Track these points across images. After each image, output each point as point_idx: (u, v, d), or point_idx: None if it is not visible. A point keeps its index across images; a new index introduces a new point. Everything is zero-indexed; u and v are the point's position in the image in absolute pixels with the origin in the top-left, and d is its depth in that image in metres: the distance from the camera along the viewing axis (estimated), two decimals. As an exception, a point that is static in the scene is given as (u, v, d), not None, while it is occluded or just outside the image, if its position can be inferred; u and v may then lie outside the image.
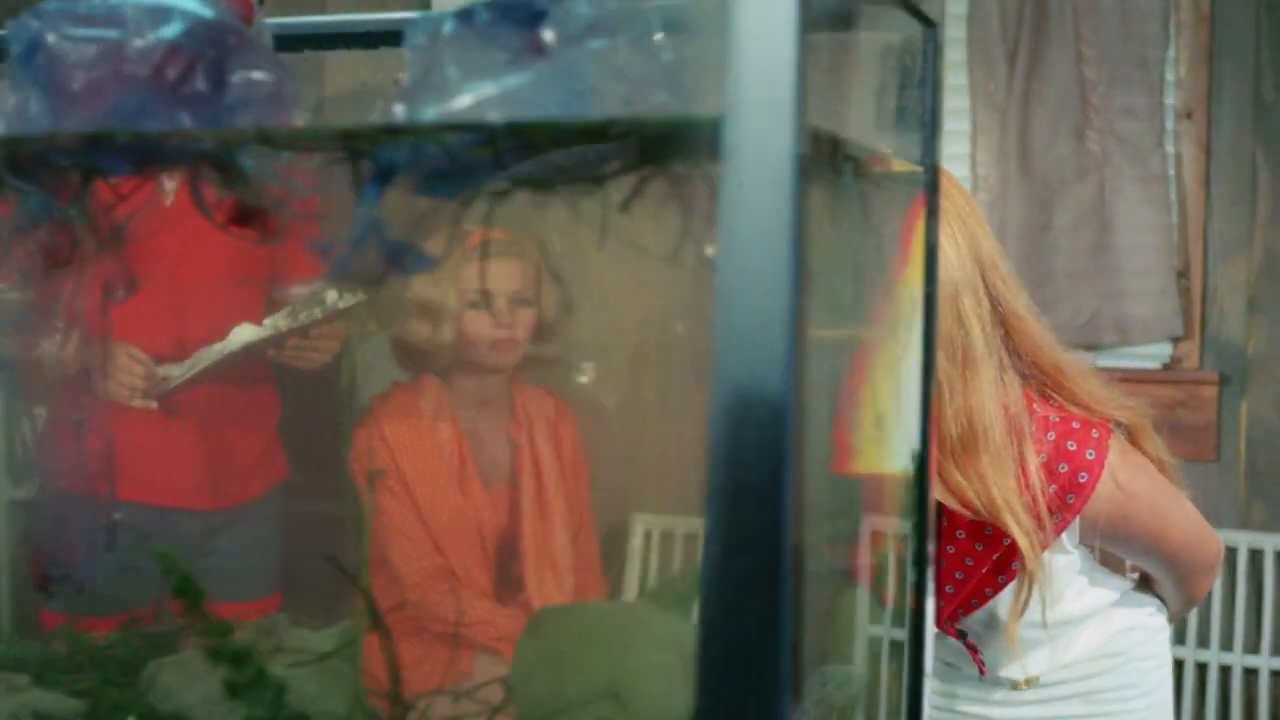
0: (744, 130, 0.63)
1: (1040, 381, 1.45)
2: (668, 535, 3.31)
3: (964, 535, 1.46)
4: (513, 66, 0.76)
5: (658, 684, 0.88)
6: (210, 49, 0.79)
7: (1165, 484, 1.51)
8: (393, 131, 0.73)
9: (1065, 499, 1.43)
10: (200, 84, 0.78)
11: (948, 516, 1.44)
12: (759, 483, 0.63)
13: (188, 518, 2.56)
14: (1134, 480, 1.47)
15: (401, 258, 0.78)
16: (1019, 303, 1.43)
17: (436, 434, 2.57)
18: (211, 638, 0.77)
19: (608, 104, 0.76)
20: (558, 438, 2.68)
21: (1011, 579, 1.47)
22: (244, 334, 2.29)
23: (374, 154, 0.76)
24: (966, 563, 1.46)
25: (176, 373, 2.32)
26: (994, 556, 1.46)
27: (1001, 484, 1.39)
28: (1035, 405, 1.44)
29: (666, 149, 0.72)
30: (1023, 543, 1.41)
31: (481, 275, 2.48)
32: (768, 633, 0.63)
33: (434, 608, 2.60)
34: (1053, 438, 1.43)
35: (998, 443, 1.39)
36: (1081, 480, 1.43)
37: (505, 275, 2.50)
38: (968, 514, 1.41)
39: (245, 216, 0.83)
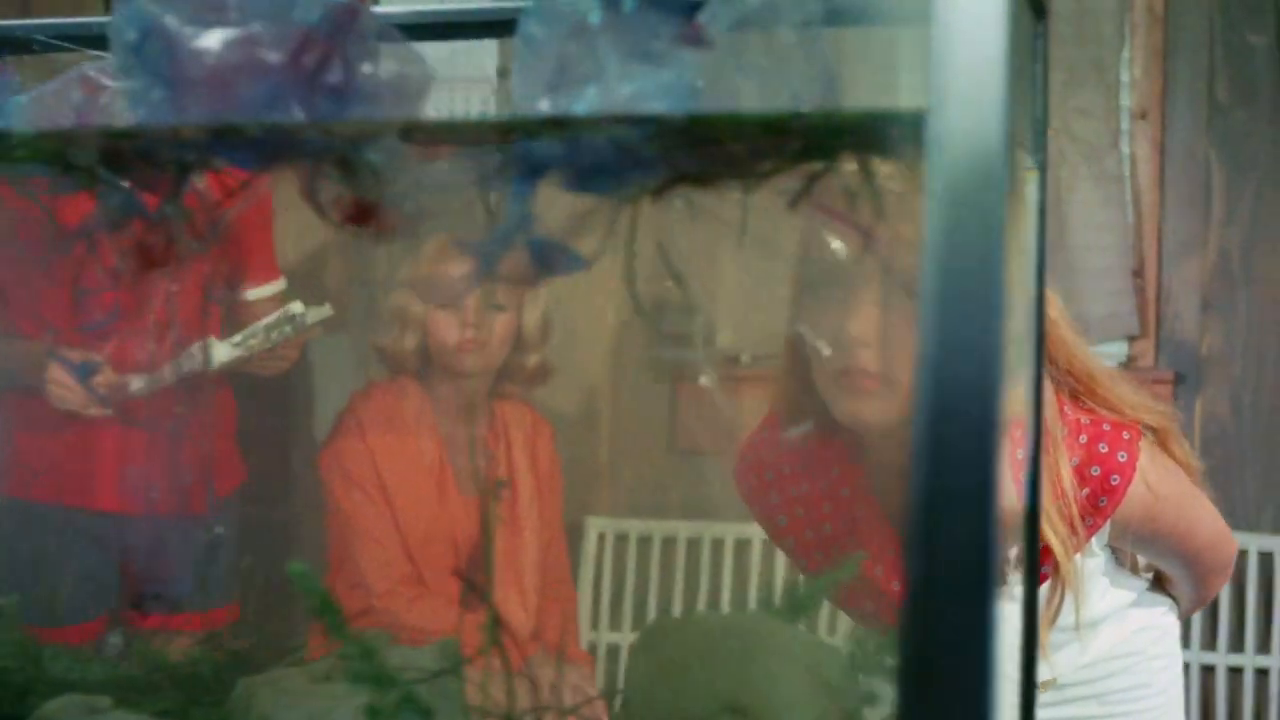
0: (951, 124, 0.61)
1: (1072, 387, 1.43)
2: (621, 538, 3.28)
3: None
4: (672, 55, 0.73)
5: (784, 697, 0.85)
6: (344, 36, 0.75)
7: (1191, 487, 1.51)
8: (562, 124, 0.70)
9: (1098, 502, 1.42)
10: (335, 73, 0.74)
11: None
12: (967, 490, 0.61)
13: (142, 524, 2.51)
14: (1163, 483, 1.45)
15: (553, 256, 0.74)
16: (1052, 305, 1.40)
17: (417, 439, 2.53)
18: (356, 660, 0.73)
19: (773, 97, 0.73)
20: (534, 451, 2.65)
21: (1041, 583, 1.45)
22: (221, 353, 2.25)
23: (526, 148, 0.73)
24: None
25: (138, 385, 2.27)
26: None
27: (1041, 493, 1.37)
28: (1066, 408, 1.42)
29: (841, 143, 0.69)
30: (1058, 549, 1.39)
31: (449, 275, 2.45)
32: (977, 647, 0.61)
33: (402, 616, 2.56)
34: (1084, 440, 1.41)
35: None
36: (1114, 483, 1.42)
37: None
38: None
39: (365, 214, 0.79)
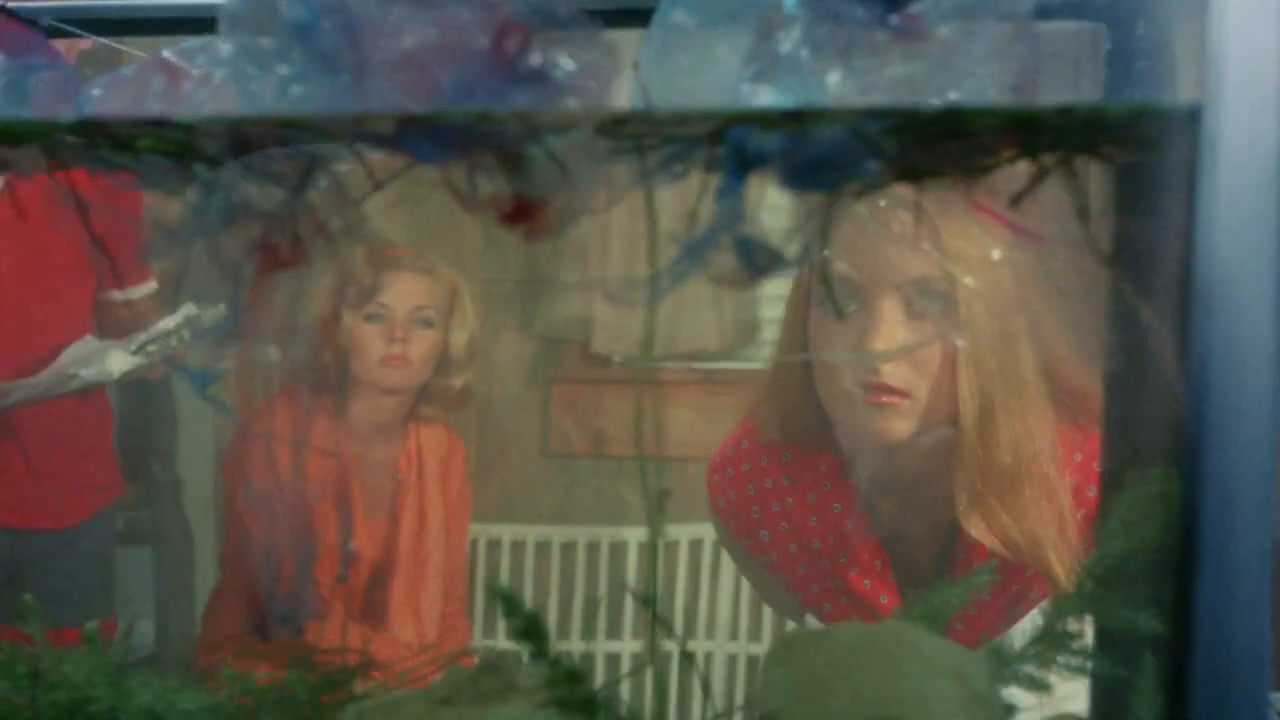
0: (1228, 120, 0.60)
1: (1067, 403, 1.38)
2: (494, 543, 3.24)
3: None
4: (893, 48, 0.70)
5: (934, 708, 0.83)
6: (542, 21, 0.71)
7: None
8: (799, 117, 0.66)
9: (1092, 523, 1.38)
10: (535, 60, 0.70)
11: (964, 551, 1.39)
12: (1248, 494, 0.60)
13: (17, 538, 2.39)
14: None
15: (762, 257, 0.71)
16: (1053, 315, 1.39)
17: (326, 454, 2.44)
18: (559, 685, 0.69)
19: (995, 89, 0.72)
20: (447, 475, 2.58)
21: (1028, 610, 1.42)
22: (118, 363, 2.14)
23: (735, 141, 0.70)
24: (983, 596, 1.40)
25: (18, 395, 2.15)
26: (1013, 588, 1.41)
27: (1045, 519, 1.33)
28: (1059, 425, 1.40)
29: (1098, 138, 0.68)
30: (1063, 580, 1.33)
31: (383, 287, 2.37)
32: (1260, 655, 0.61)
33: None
34: (1079, 459, 1.38)
35: (1046, 474, 1.34)
36: (1090, 495, 1.35)
37: (408, 291, 2.39)
38: (1007, 555, 1.34)
39: (528, 212, 0.75)
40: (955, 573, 1.39)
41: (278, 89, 0.74)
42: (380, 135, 0.70)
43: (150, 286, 2.43)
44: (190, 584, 2.98)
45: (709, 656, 3.12)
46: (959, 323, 1.28)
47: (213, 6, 1.02)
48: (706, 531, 3.23)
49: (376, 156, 0.76)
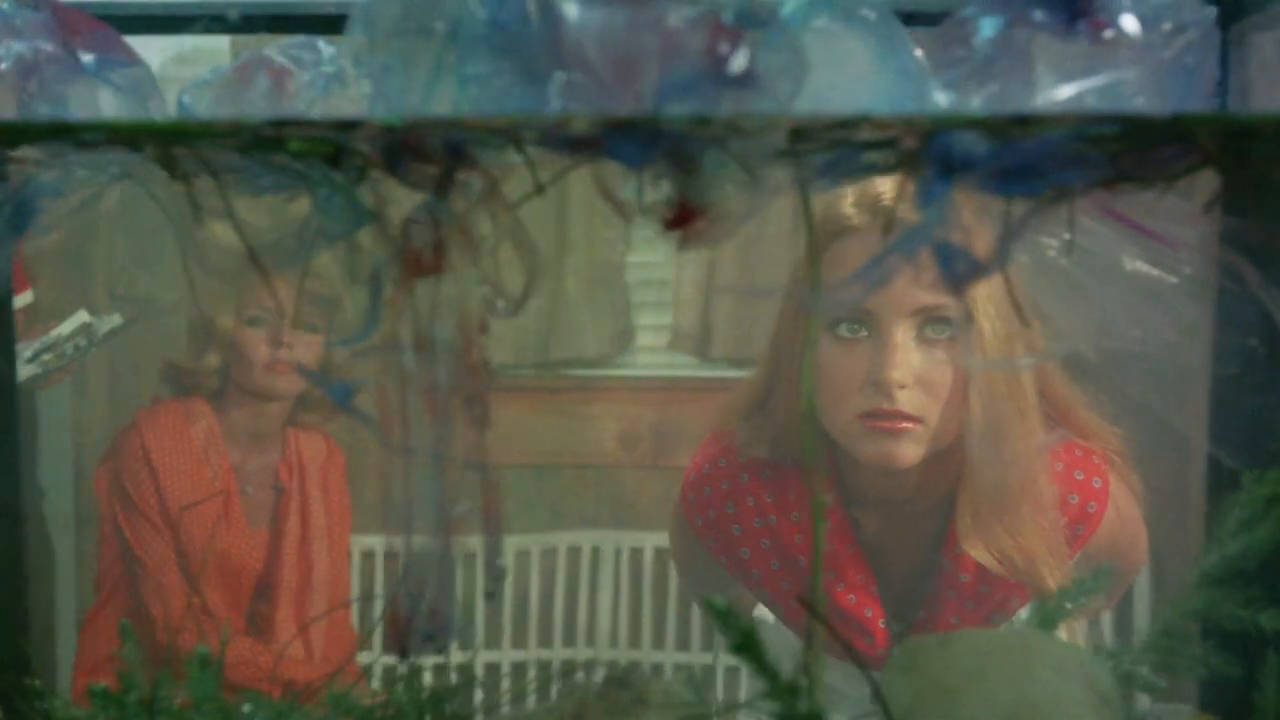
0: None
1: (1045, 411, 1.40)
2: (367, 554, 3.18)
3: (968, 579, 1.41)
4: (1098, 55, 0.71)
5: (1065, 712, 0.83)
6: (749, 19, 0.69)
7: (1138, 510, 1.49)
8: (1028, 123, 0.66)
9: (1075, 530, 1.40)
10: (742, 61, 0.68)
11: (951, 560, 1.40)
12: None
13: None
14: (1128, 506, 1.45)
15: (962, 263, 0.70)
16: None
17: (206, 465, 2.36)
18: (779, 699, 0.67)
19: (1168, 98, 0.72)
20: (327, 483, 2.52)
21: (1009, 617, 1.41)
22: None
23: (942, 147, 0.69)
24: (967, 607, 1.41)
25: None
26: (997, 596, 1.41)
27: (1039, 535, 1.34)
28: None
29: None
30: (1055, 591, 1.35)
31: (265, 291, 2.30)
32: None
33: (185, 648, 2.39)
34: (1060, 468, 1.40)
35: (1041, 491, 1.34)
36: (1091, 510, 1.40)
37: (291, 296, 2.32)
38: (1002, 572, 1.35)
39: (694, 217, 0.74)
40: (939, 587, 1.40)
41: (459, 89, 0.71)
42: (578, 137, 0.68)
43: (28, 296, 2.33)
44: (50, 599, 2.87)
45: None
46: (970, 347, 1.30)
47: (209, 5, 0.98)
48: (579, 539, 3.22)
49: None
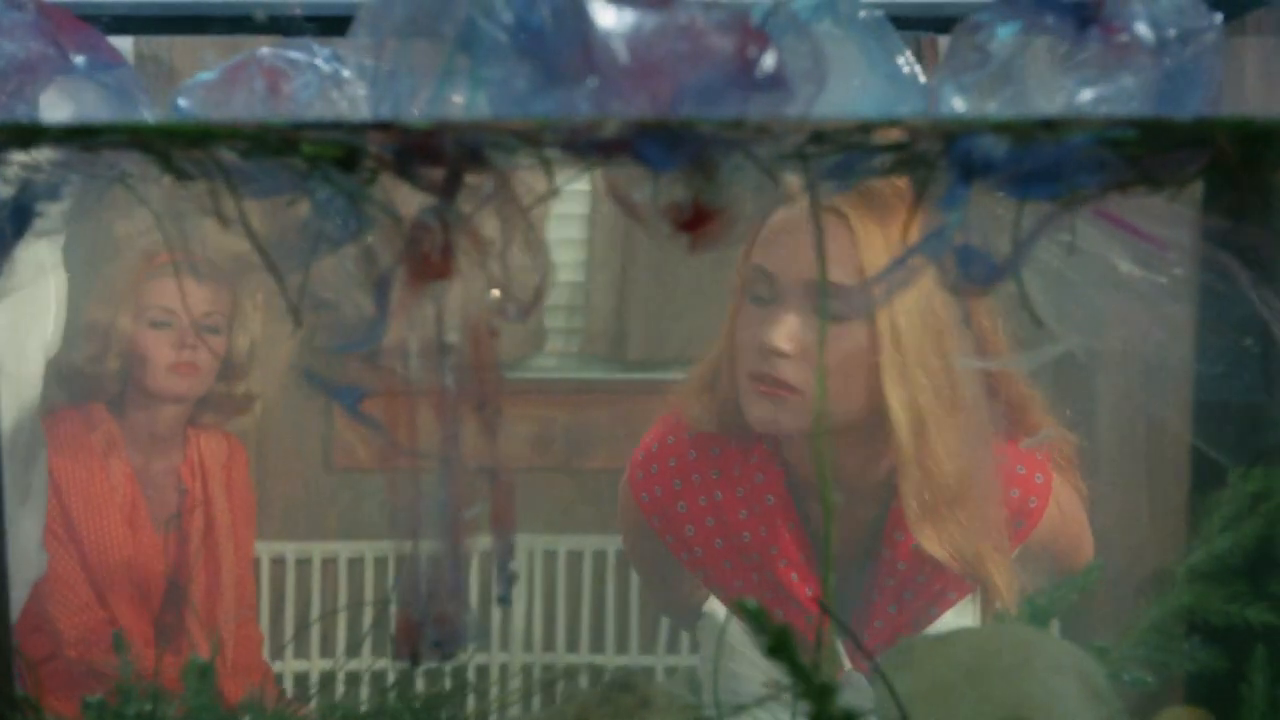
0: None
1: (1008, 418, 1.39)
2: (277, 561, 3.13)
3: (905, 567, 1.41)
4: (1115, 60, 0.72)
5: (1063, 709, 0.85)
6: (776, 22, 0.70)
7: (1082, 510, 1.49)
8: (1054, 127, 0.67)
9: (1015, 524, 1.40)
10: (770, 64, 0.69)
11: (889, 549, 1.41)
12: None
13: None
14: (1071, 505, 1.45)
15: (979, 267, 0.71)
16: (999, 331, 1.38)
17: (108, 472, 2.32)
18: (813, 700, 0.68)
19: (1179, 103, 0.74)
20: (230, 482, 2.48)
21: (945, 609, 1.42)
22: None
23: (963, 150, 0.70)
24: (905, 596, 1.42)
25: None
26: (936, 587, 1.41)
27: (986, 533, 1.34)
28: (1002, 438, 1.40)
29: None
30: (1003, 591, 1.34)
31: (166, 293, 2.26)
32: None
33: (96, 664, 2.34)
34: (1023, 471, 1.40)
35: (985, 490, 1.35)
36: (1032, 505, 1.41)
37: (193, 297, 2.28)
38: (954, 567, 1.35)
39: (706, 220, 0.74)
40: (877, 574, 1.41)
41: (472, 92, 0.71)
42: (607, 141, 0.68)
43: None
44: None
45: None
46: (874, 333, 1.30)
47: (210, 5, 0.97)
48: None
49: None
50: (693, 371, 1.50)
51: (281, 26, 0.79)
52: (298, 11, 0.90)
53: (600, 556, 3.13)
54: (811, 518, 1.45)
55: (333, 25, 0.78)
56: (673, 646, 2.96)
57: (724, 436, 1.45)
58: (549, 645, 3.16)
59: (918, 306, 1.30)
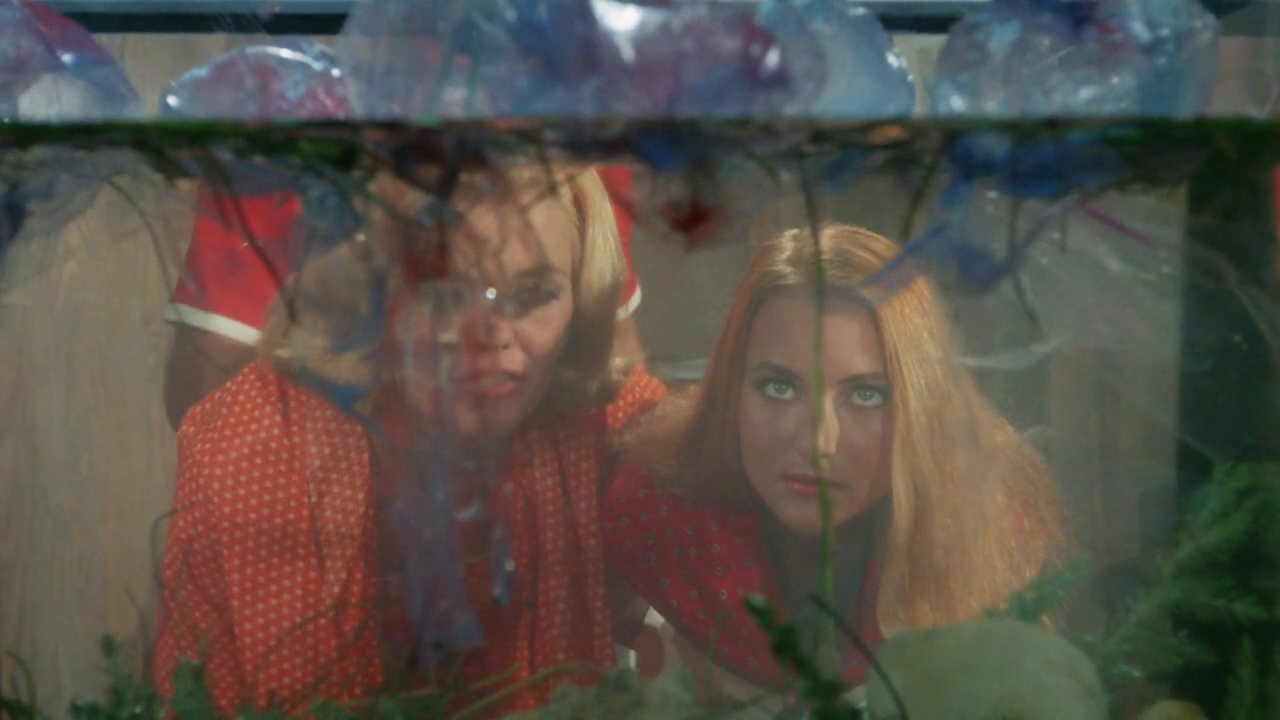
0: None
1: (1016, 486, 1.36)
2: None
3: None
4: (1113, 59, 0.72)
5: (1053, 703, 0.85)
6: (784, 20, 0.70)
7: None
8: (1057, 125, 0.67)
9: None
10: (775, 63, 0.69)
11: (865, 614, 1.37)
12: None
13: None
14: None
15: (980, 267, 0.72)
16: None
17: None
18: (818, 696, 0.68)
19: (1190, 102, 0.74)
20: None
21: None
22: None
23: (965, 149, 0.70)
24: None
25: None
26: None
27: (971, 602, 1.29)
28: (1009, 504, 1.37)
29: None
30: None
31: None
32: None
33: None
34: (1030, 525, 1.37)
35: (978, 563, 1.30)
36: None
37: None
38: None
39: (704, 219, 0.74)
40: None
41: (470, 90, 0.70)
42: (611, 139, 0.68)
43: None
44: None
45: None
46: (893, 417, 1.28)
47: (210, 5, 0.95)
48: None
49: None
50: (659, 426, 1.45)
51: (271, 25, 0.78)
52: (278, 9, 0.90)
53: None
54: (791, 578, 1.42)
55: (325, 24, 0.77)
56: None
57: (714, 504, 1.42)
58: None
59: (928, 385, 1.26)
